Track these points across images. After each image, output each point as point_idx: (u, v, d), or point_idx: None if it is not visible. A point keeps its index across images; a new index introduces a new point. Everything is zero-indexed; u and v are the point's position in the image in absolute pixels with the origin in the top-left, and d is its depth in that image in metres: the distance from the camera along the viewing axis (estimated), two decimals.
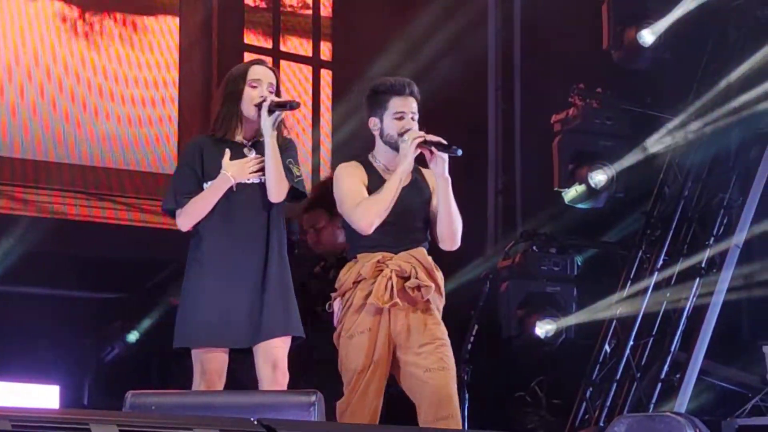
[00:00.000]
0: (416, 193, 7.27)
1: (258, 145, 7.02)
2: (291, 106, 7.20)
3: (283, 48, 12.82)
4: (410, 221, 7.21)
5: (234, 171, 6.92)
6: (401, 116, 7.13)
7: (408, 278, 7.00)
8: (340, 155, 11.91)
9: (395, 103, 7.17)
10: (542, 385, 11.51)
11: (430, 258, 7.24)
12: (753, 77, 11.64)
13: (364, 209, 7.11)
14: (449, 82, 11.93)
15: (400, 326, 7.04)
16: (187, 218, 6.94)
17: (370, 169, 7.21)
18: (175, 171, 7.44)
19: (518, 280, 11.67)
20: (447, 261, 12.02)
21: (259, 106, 6.87)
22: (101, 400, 10.94)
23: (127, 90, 11.77)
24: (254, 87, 7.02)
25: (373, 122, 7.23)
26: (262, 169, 7.02)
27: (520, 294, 11.65)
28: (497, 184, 12.89)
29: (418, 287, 7.02)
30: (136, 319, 11.68)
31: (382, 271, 7.01)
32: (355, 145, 11.81)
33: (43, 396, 11.04)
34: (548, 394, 11.54)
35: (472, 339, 10.24)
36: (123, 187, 12.05)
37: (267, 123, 6.94)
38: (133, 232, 12.27)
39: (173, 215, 7.03)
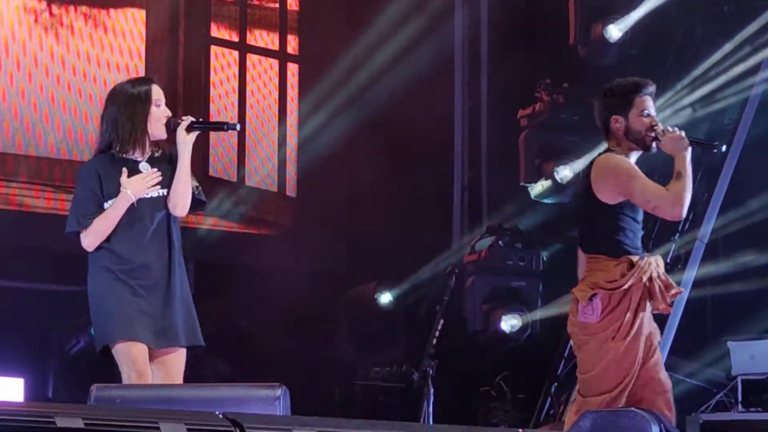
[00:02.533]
0: None
1: (152, 160, 7.22)
2: (229, 127, 7.71)
3: (250, 41, 12.58)
4: None
5: (133, 188, 7.11)
6: (647, 113, 7.40)
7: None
8: (307, 149, 12.12)
9: (640, 101, 7.37)
10: (507, 380, 11.44)
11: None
12: (718, 72, 11.76)
13: (675, 197, 7.42)
14: (416, 77, 11.96)
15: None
16: (92, 237, 7.10)
17: None
18: (74, 195, 7.53)
19: (484, 274, 11.73)
20: (412, 255, 12.21)
21: (168, 125, 7.09)
22: (66, 393, 10.98)
23: (95, 86, 11.62)
24: (158, 106, 7.20)
25: (616, 120, 7.39)
26: (159, 183, 7.19)
27: (486, 289, 11.70)
28: (463, 179, 12.92)
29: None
30: None
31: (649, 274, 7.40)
32: (320, 140, 12.04)
33: (7, 388, 10.90)
34: (513, 389, 11.50)
35: (437, 334, 10.11)
36: None
37: (187, 141, 7.16)
38: None
39: (77, 237, 7.17)
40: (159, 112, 7.26)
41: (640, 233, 7.69)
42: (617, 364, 7.34)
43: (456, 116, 13.24)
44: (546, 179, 11.97)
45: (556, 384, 11.44)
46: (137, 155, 7.23)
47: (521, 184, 12.40)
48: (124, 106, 7.25)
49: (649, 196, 7.55)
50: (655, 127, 7.50)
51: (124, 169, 7.14)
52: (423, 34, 12.31)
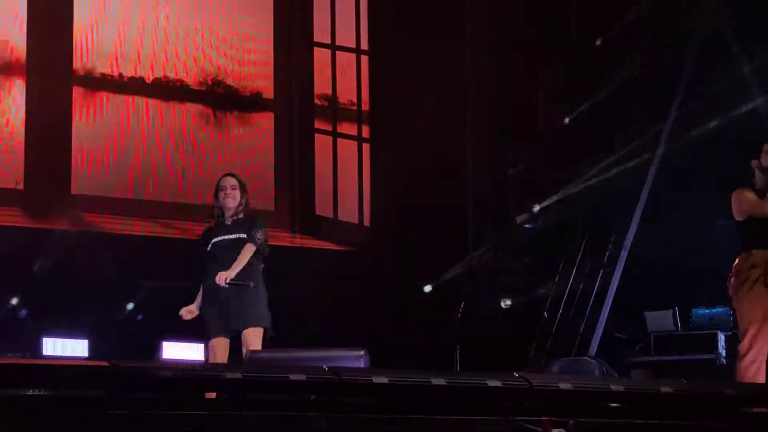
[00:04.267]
0: None
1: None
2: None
3: (339, 130, 14.17)
4: None
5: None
6: None
7: None
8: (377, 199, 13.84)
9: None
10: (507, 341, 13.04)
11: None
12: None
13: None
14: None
15: None
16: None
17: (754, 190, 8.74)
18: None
19: (488, 274, 13.59)
20: (439, 263, 13.39)
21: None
22: (123, 352, 10.96)
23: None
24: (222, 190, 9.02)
25: (756, 163, 8.63)
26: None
27: (490, 283, 13.55)
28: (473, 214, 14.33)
29: None
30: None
31: None
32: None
33: (75, 348, 11.65)
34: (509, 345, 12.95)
35: (459, 314, 11.76)
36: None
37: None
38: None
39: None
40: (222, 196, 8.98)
41: None
42: None
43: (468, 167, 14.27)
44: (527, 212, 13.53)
45: (535, 342, 12.88)
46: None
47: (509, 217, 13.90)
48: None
49: None
50: None
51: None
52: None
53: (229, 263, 8.83)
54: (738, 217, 8.81)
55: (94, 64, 12.89)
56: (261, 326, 8.86)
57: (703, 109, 13.24)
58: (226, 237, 9.04)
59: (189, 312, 8.95)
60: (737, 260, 8.71)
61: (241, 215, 9.08)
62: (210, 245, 9.04)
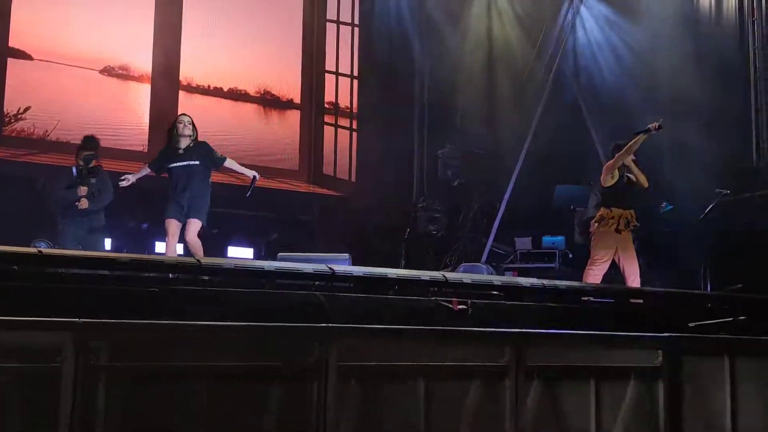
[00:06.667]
0: None
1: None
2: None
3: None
4: None
5: None
6: None
7: None
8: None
9: None
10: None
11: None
12: None
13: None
14: None
15: None
16: None
17: None
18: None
19: (423, 212, 14.18)
20: (394, 204, 13.63)
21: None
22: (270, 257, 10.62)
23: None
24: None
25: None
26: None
27: (423, 217, 14.09)
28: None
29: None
30: None
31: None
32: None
33: (245, 254, 12.20)
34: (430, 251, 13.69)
35: (406, 236, 13.35)
36: None
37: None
38: None
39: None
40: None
41: None
42: None
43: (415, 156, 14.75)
44: None
45: (449, 252, 13.42)
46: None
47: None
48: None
49: None
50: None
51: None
52: None
53: (185, 181, 8.72)
54: (604, 184, 9.04)
55: (193, 75, 13.39)
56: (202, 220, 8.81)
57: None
58: (179, 164, 8.87)
59: (126, 180, 8.88)
60: (601, 211, 9.10)
61: (191, 143, 8.92)
62: (169, 166, 8.89)
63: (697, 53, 12.84)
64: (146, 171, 8.91)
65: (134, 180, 8.71)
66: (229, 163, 8.87)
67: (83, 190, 9.15)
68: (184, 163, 8.65)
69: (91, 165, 9.31)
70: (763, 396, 5.44)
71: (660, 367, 5.10)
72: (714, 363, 5.34)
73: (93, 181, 9.22)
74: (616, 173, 8.92)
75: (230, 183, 10.67)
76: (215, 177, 9.31)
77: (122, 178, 8.73)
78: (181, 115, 8.99)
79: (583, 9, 14.13)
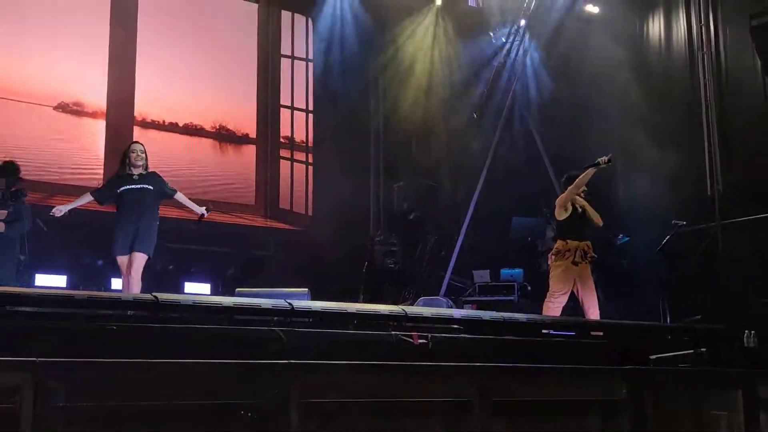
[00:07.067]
0: None
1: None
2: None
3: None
4: None
5: None
6: None
7: None
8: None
9: None
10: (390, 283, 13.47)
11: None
12: None
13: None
14: None
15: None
16: None
17: None
18: None
19: (380, 246, 14.12)
20: (350, 237, 13.26)
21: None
22: (229, 292, 9.85)
23: None
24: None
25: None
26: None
27: (381, 251, 13.93)
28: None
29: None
30: None
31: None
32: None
33: (201, 290, 11.88)
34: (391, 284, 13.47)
35: (364, 270, 12.91)
36: None
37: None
38: None
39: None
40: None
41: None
42: None
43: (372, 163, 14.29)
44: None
45: (408, 286, 13.22)
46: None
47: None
48: None
49: None
50: None
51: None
52: None
53: (136, 207, 8.45)
54: (558, 217, 8.97)
55: (148, 111, 13.26)
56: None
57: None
58: (133, 186, 8.60)
59: (59, 210, 8.44)
60: (557, 244, 8.96)
61: (143, 171, 8.66)
62: (120, 190, 8.60)
63: (648, 85, 13.17)
64: (86, 200, 8.60)
65: (66, 211, 8.37)
66: (179, 196, 8.68)
67: (2, 213, 8.94)
68: (139, 186, 8.44)
69: (12, 189, 9.11)
70: (729, 428, 5.42)
71: (624, 400, 5.06)
72: (678, 395, 5.30)
73: (12, 206, 9.00)
74: (569, 206, 8.89)
75: (185, 218, 10.37)
76: (171, 212, 9.25)
77: (55, 209, 8.38)
78: (133, 143, 8.81)
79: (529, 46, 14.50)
